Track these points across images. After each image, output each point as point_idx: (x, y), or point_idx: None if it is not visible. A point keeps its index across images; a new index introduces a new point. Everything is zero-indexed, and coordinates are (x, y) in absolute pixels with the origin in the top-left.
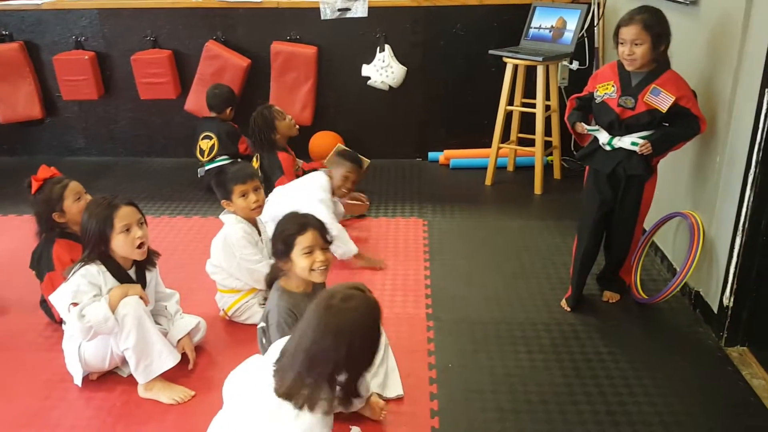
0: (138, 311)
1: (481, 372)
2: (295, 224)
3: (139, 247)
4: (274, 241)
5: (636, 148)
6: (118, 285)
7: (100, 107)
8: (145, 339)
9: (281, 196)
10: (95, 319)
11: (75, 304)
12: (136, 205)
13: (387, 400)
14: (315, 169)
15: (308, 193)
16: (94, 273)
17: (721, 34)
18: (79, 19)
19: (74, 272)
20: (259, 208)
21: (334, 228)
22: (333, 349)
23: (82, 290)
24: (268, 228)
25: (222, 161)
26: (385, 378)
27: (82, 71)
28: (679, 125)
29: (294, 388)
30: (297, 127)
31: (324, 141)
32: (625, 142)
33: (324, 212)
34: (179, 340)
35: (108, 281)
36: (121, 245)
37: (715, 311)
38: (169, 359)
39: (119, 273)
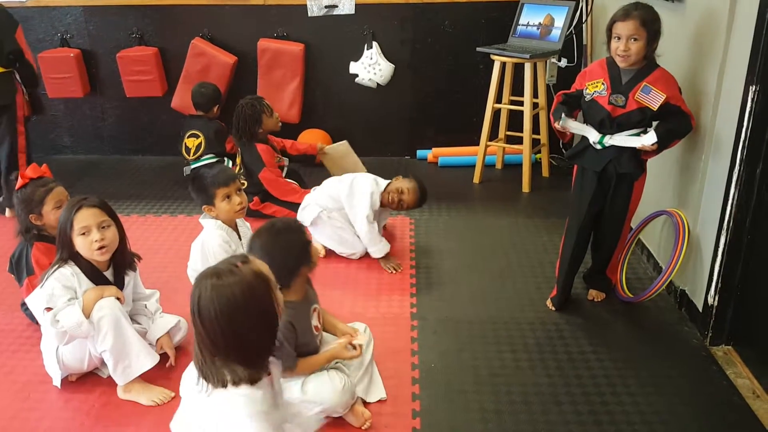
0: (115, 313)
1: (464, 372)
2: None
3: (99, 249)
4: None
5: (648, 147)
6: (93, 287)
7: (86, 105)
8: (123, 340)
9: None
10: (69, 324)
11: (49, 309)
12: (105, 207)
13: (368, 404)
14: (306, 153)
15: (363, 181)
16: (68, 275)
17: (706, 30)
18: (64, 17)
19: (48, 276)
20: (243, 209)
21: (363, 226)
22: (212, 330)
23: (57, 294)
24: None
25: (208, 160)
26: (368, 383)
27: (67, 69)
28: (676, 122)
29: (202, 368)
30: (280, 123)
31: (312, 139)
32: (617, 140)
33: (365, 206)
34: (158, 339)
35: (82, 282)
36: (81, 247)
37: (700, 310)
38: (147, 360)
39: (94, 274)
